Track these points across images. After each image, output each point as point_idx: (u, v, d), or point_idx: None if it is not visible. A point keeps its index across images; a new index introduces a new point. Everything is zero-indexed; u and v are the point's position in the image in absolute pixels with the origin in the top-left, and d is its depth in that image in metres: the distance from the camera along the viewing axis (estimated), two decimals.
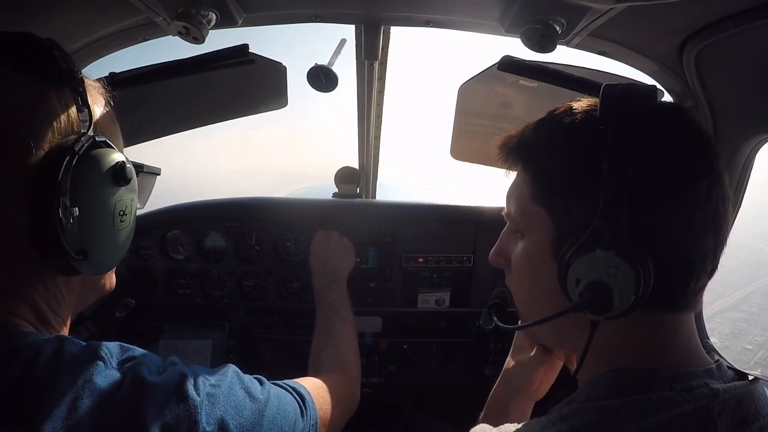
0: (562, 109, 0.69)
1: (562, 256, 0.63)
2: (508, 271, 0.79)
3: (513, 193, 0.75)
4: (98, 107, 0.72)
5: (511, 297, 0.82)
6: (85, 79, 0.70)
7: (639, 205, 0.58)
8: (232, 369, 0.74)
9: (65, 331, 0.72)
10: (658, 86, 1.36)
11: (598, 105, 0.63)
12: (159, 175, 0.93)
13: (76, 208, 0.62)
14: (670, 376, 0.61)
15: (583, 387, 0.67)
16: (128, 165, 0.69)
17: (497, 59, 1.30)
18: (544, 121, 0.71)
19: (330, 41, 1.48)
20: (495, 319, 0.82)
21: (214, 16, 1.09)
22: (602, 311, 0.59)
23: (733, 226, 1.49)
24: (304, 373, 1.10)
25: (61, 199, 0.60)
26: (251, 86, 1.68)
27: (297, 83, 1.85)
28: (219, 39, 1.27)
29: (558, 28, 1.03)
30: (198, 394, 0.63)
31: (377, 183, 2.50)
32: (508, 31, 1.12)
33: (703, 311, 1.43)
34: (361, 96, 1.72)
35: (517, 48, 1.15)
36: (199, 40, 1.10)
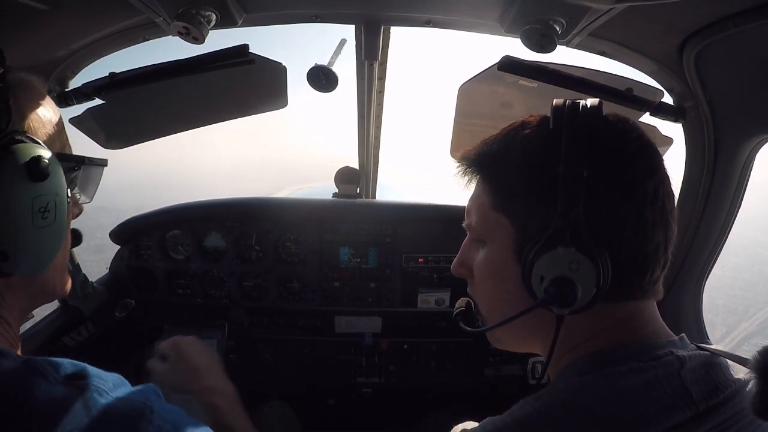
0: (515, 123, 0.74)
1: (525, 257, 0.66)
2: (471, 280, 0.82)
3: (474, 205, 0.78)
4: (30, 104, 0.68)
5: (475, 305, 0.84)
6: (23, 77, 0.67)
7: (594, 205, 0.63)
8: None
9: (12, 333, 0.70)
10: (658, 86, 1.36)
11: (551, 117, 0.68)
12: (105, 166, 0.85)
13: None
14: (637, 350, 0.65)
15: (557, 376, 0.71)
16: (45, 160, 0.64)
17: (497, 59, 1.30)
18: (499, 135, 0.75)
19: (330, 41, 1.49)
20: (462, 325, 0.84)
21: (214, 16, 1.09)
22: (567, 304, 0.63)
23: (733, 231, 1.49)
24: (303, 373, 1.07)
25: None
26: (251, 86, 1.68)
27: (297, 83, 1.86)
28: (219, 39, 1.29)
29: (558, 28, 1.03)
30: None
31: (377, 183, 2.50)
32: (508, 31, 1.12)
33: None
34: (361, 96, 1.72)
35: (517, 48, 1.15)
36: (199, 40, 1.10)
